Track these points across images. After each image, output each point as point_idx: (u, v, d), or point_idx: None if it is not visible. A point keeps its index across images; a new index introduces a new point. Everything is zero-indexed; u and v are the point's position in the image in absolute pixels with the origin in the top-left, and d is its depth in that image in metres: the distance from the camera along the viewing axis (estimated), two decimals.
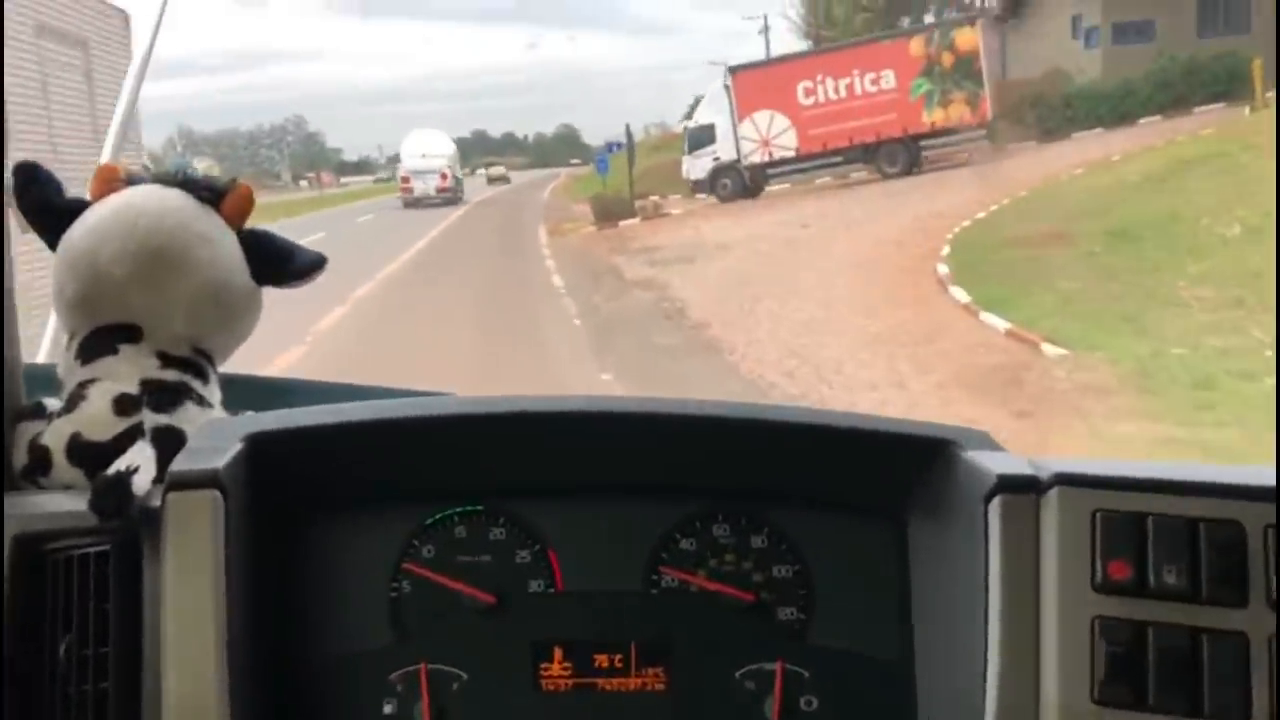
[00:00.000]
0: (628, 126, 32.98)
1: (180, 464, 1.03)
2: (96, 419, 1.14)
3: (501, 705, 1.16)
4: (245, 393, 1.34)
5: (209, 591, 0.98)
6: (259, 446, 1.09)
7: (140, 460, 1.05)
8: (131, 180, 1.26)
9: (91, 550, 1.02)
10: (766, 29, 65.53)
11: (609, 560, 1.20)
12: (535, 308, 14.42)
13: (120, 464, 1.03)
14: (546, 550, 1.20)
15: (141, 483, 1.03)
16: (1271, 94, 24.19)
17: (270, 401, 1.29)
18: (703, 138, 29.96)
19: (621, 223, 27.60)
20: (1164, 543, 0.95)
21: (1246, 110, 24.90)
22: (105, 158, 1.82)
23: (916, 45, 27.77)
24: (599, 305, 13.93)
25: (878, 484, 1.17)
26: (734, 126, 28.60)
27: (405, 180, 39.46)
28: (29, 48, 4.41)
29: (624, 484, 1.21)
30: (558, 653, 1.17)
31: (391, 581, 1.18)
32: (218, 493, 1.01)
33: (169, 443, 1.12)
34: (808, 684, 1.17)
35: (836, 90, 27.58)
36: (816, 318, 11.76)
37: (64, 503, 1.07)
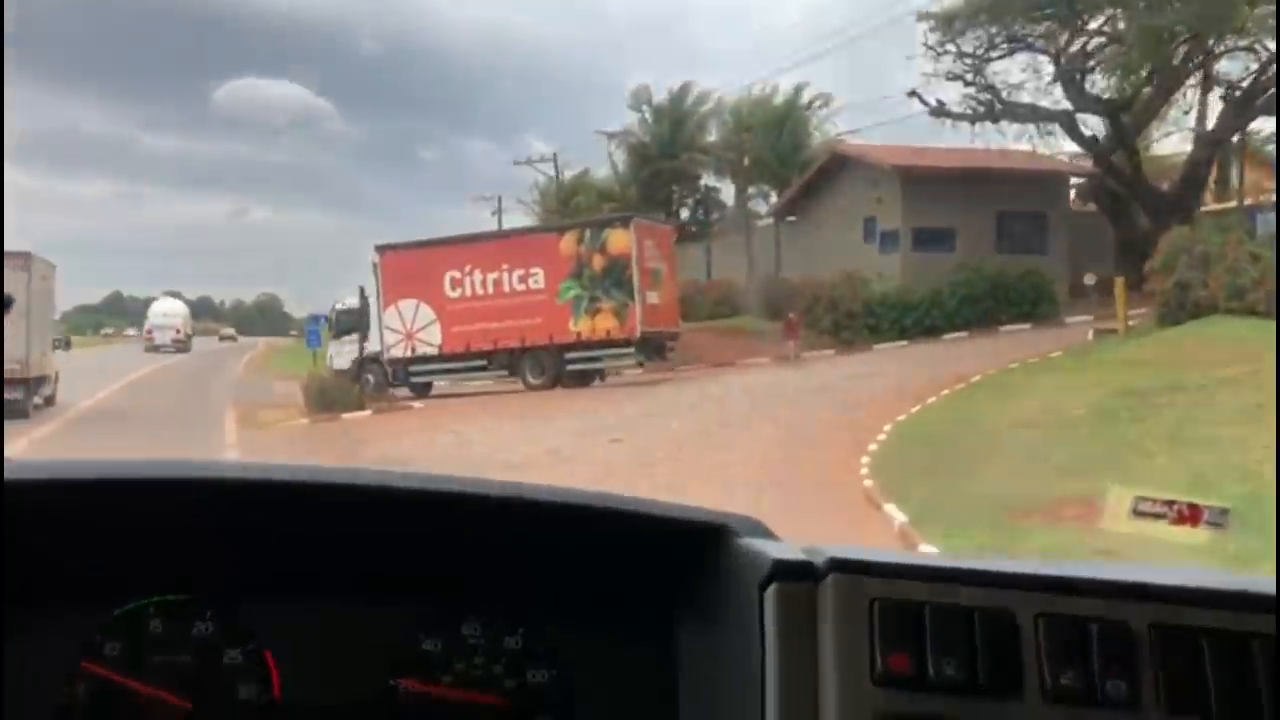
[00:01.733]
0: (362, 289, 26.04)
1: None
2: None
3: None
4: None
5: None
6: None
7: None
8: None
9: None
10: (499, 211, 62.49)
11: (338, 665, 1.06)
12: None
13: None
14: (262, 651, 1.05)
15: None
16: (1133, 321, 21.46)
17: None
18: (347, 323, 27.43)
19: (346, 415, 20.71)
20: (940, 632, 0.92)
21: (1118, 329, 21.61)
22: None
23: (568, 243, 25.28)
24: None
25: (645, 574, 1.09)
26: (379, 314, 26.20)
27: (149, 333, 52.43)
28: None
29: (360, 573, 1.07)
30: None
31: (65, 686, 1.00)
32: None
33: None
34: None
35: (485, 285, 25.29)
36: None
37: None
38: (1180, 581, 0.98)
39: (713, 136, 46.42)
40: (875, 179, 30.98)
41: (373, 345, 26.20)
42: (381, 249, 26.77)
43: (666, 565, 1.09)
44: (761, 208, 42.11)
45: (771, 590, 0.95)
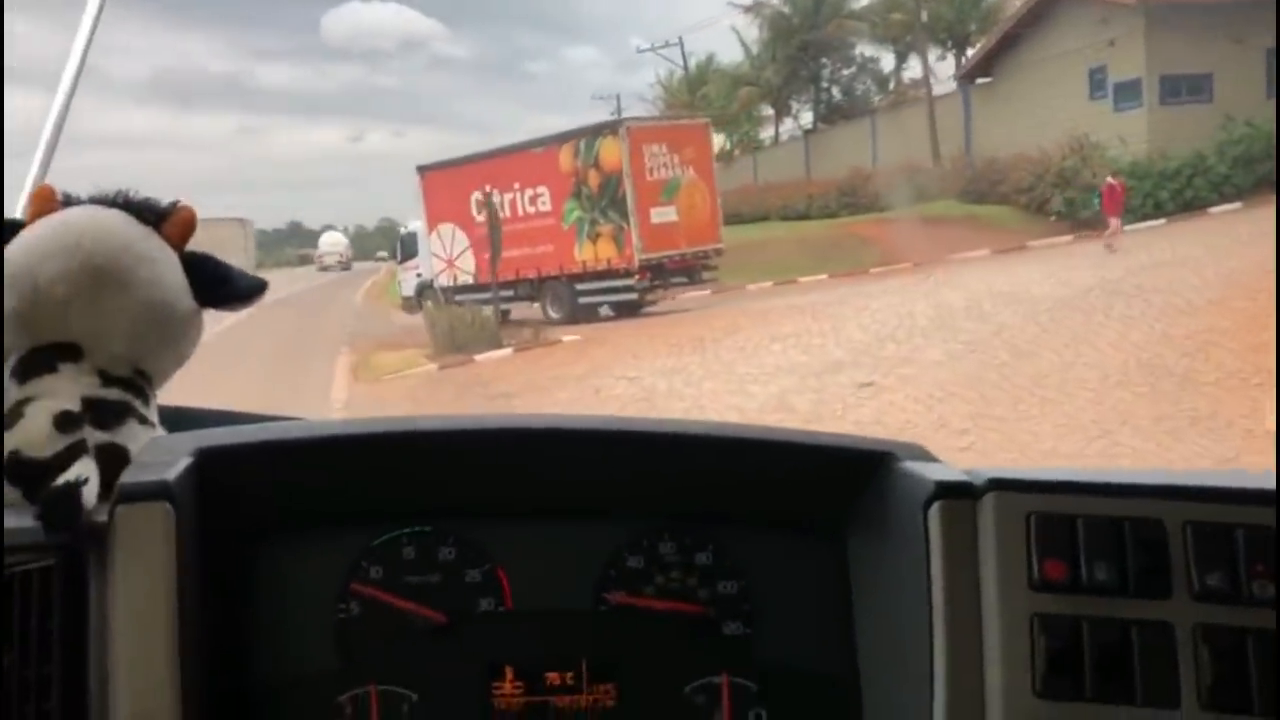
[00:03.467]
0: (489, 200, 21.33)
1: (130, 476, 1.01)
2: (36, 436, 1.09)
3: None
4: (172, 420, 1.25)
5: (163, 606, 0.96)
6: (209, 461, 1.07)
7: (87, 474, 1.03)
8: (68, 201, 1.22)
9: (34, 567, 0.97)
10: (619, 111, 57.22)
11: (558, 579, 1.19)
12: None
13: (69, 476, 1.02)
14: (496, 570, 1.19)
15: (90, 496, 1.01)
16: None
17: (200, 428, 1.18)
18: (410, 248, 25.50)
19: (480, 356, 16.35)
20: (1093, 541, 0.98)
21: None
22: (33, 179, 1.65)
23: (566, 157, 21.47)
24: None
25: (818, 498, 1.18)
26: (424, 239, 24.30)
27: (320, 257, 67.94)
28: None
29: (572, 503, 1.21)
30: (509, 671, 1.15)
31: (339, 603, 1.16)
32: (169, 505, 0.98)
33: (113, 460, 1.09)
34: (755, 697, 1.17)
35: (503, 207, 21.95)
36: None
37: (4, 520, 1.01)
38: None
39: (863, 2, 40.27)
40: (1105, 17, 24.79)
41: (427, 272, 23.96)
42: (422, 169, 24.09)
43: (838, 488, 1.16)
44: (938, 74, 35.93)
45: (935, 508, 1.02)
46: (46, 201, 1.21)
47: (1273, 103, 22.13)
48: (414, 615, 1.16)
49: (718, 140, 51.49)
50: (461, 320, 17.55)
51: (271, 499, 1.15)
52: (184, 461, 1.04)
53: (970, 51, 34.48)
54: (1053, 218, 23.57)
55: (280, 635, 1.14)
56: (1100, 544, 0.98)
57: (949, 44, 34.93)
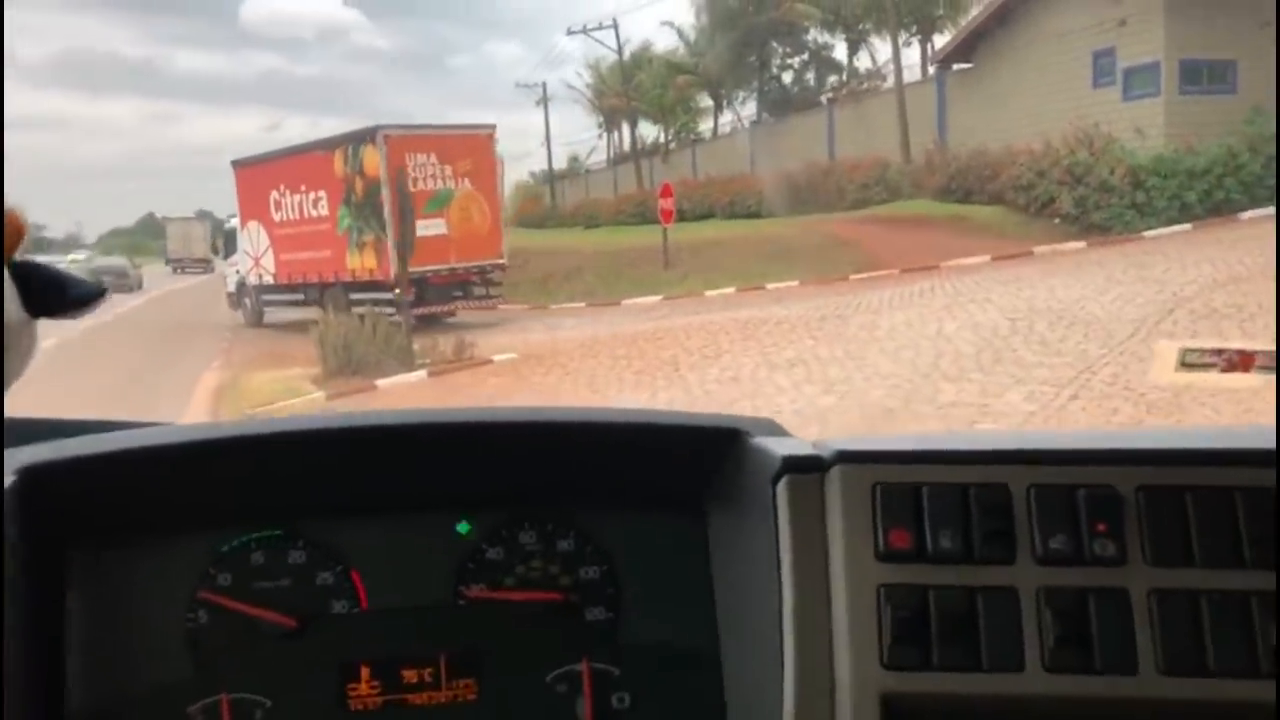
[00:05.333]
0: (401, 187, 17.38)
1: None
2: None
3: None
4: (21, 433, 1.23)
5: None
6: (34, 479, 1.04)
7: None
8: None
9: None
10: (545, 99, 53.42)
11: (415, 577, 1.17)
12: None
13: None
14: (349, 570, 1.17)
15: None
16: None
17: (30, 439, 1.18)
18: (231, 244, 24.31)
19: (384, 381, 12.52)
20: (938, 509, 0.99)
21: None
22: None
23: (339, 162, 20.84)
24: None
25: (675, 477, 1.19)
26: (238, 235, 23.61)
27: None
28: None
29: (427, 499, 1.20)
30: (365, 671, 1.14)
31: (187, 613, 1.14)
32: None
33: None
34: (617, 681, 1.17)
35: (293, 208, 21.86)
36: None
37: None
38: (1176, 444, 1.04)
39: None
40: None
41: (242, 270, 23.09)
42: (235, 164, 23.54)
43: (693, 467, 1.17)
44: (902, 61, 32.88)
45: (783, 482, 1.03)
46: None
47: None
48: (264, 621, 1.14)
49: (651, 132, 48.72)
50: (359, 331, 13.60)
51: (108, 511, 1.13)
52: (8, 480, 1.02)
53: (936, 38, 31.49)
54: (1057, 220, 20.43)
55: (126, 649, 1.12)
56: (945, 512, 0.98)
57: (913, 29, 31.87)
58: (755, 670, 1.07)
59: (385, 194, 19.23)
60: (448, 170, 20.04)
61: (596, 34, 44.61)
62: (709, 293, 20.63)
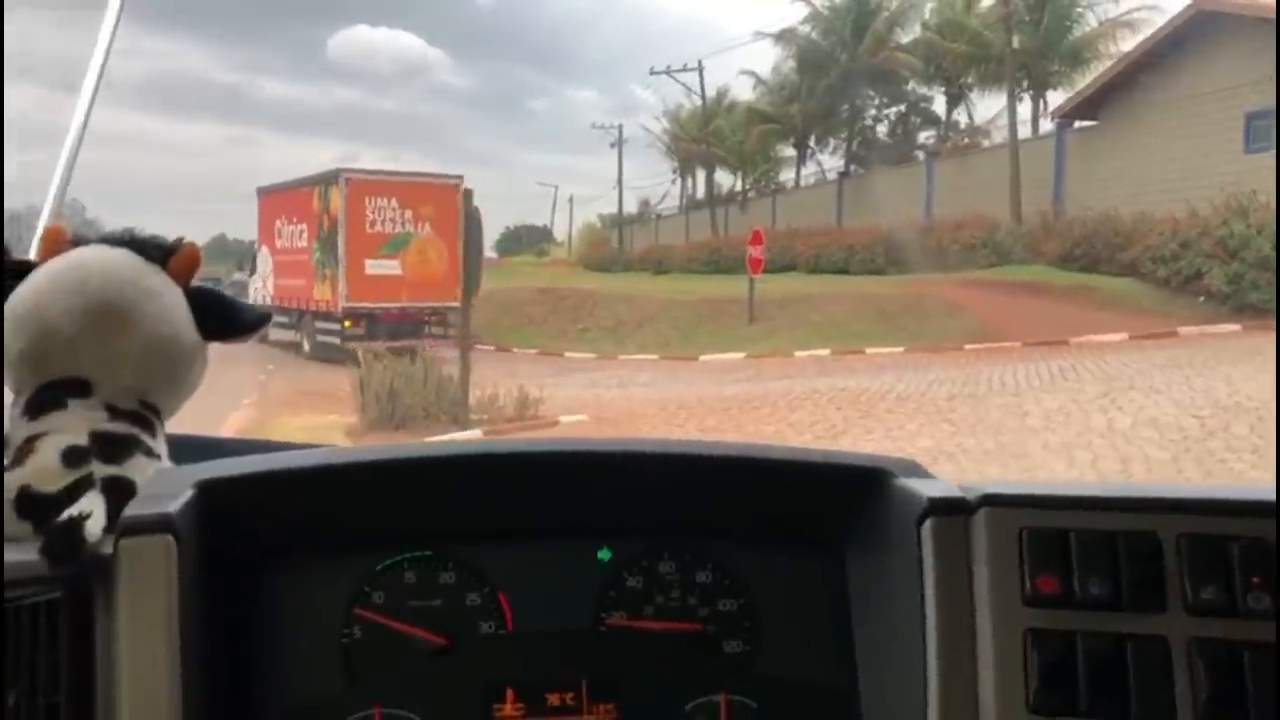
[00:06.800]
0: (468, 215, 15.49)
1: (133, 510, 1.03)
2: (45, 471, 1.14)
3: None
4: (182, 449, 1.30)
5: (165, 637, 0.97)
6: (211, 493, 1.08)
7: (92, 507, 1.04)
8: (77, 242, 1.27)
9: (41, 599, 1.00)
10: (620, 141, 51.94)
11: (558, 600, 1.20)
12: None
13: (72, 510, 1.03)
14: (496, 593, 1.20)
15: (94, 529, 1.02)
16: None
17: (204, 458, 1.22)
18: (255, 264, 26.08)
19: (434, 439, 10.35)
20: (1086, 555, 0.98)
21: None
22: (45, 220, 1.73)
23: (315, 199, 22.13)
24: None
25: (815, 514, 1.19)
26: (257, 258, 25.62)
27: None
28: None
29: (570, 525, 1.22)
30: (510, 693, 1.16)
31: (343, 628, 1.17)
32: (171, 538, 1.00)
33: (119, 492, 1.11)
34: (755, 714, 1.17)
35: (288, 237, 23.51)
36: None
37: (12, 554, 1.03)
38: None
39: (909, 38, 35.10)
40: (1268, 44, 19.25)
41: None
42: (259, 190, 25.47)
43: (833, 505, 1.17)
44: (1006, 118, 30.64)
45: (928, 524, 1.02)
46: (56, 242, 1.25)
47: None
48: (416, 639, 1.16)
49: (728, 180, 46.92)
50: (407, 378, 11.54)
51: (274, 528, 1.16)
52: (186, 494, 1.05)
53: (1051, 95, 29.24)
54: (1202, 298, 17.96)
55: (285, 661, 1.15)
56: (1093, 558, 0.97)
57: (1024, 84, 29.63)
58: (895, 710, 1.06)
59: (341, 232, 20.41)
60: (408, 215, 20.93)
61: (680, 75, 43.11)
62: (799, 353, 18.44)
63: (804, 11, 37.08)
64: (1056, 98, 28.40)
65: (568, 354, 21.12)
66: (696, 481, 1.19)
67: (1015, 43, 28.11)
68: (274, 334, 22.37)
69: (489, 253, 58.63)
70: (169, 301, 1.23)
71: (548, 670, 1.16)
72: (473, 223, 11.82)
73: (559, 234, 67.61)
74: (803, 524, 1.19)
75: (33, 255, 1.28)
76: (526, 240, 71.45)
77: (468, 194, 12.18)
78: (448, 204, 20.58)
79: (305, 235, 22.23)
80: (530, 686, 1.15)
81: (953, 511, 1.02)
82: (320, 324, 21.16)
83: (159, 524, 0.99)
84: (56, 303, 1.18)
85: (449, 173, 21.69)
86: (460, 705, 1.15)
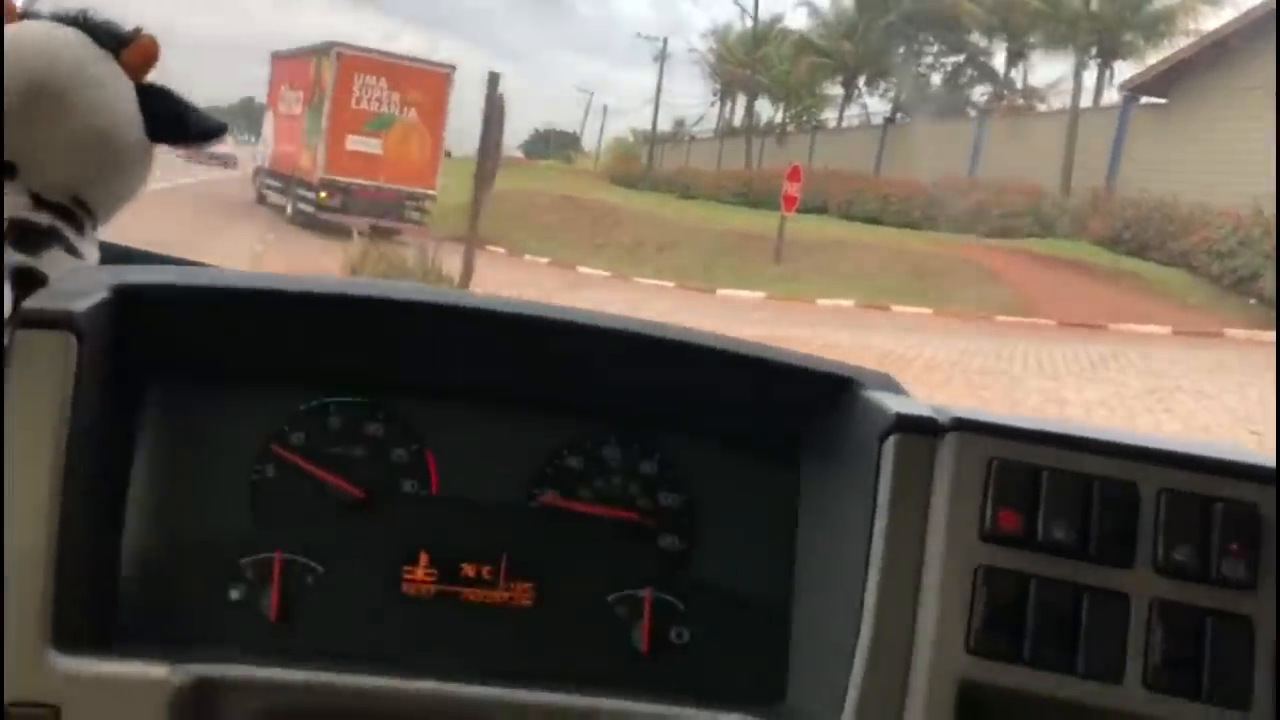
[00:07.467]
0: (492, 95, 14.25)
1: (35, 302, 0.96)
2: None
3: (357, 604, 1.10)
4: (119, 260, 1.22)
5: (49, 440, 0.92)
6: (127, 299, 1.01)
7: None
8: (26, 15, 1.20)
9: None
10: (663, 54, 50.33)
11: (490, 470, 1.14)
12: None
13: None
14: (424, 451, 1.14)
15: None
16: None
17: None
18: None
19: None
20: (1056, 496, 0.93)
21: None
22: None
23: (313, 68, 22.06)
24: None
25: (775, 418, 1.14)
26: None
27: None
28: None
29: (516, 393, 1.16)
30: (424, 556, 1.10)
31: (255, 464, 1.12)
32: (72, 336, 0.93)
33: (29, 285, 1.06)
34: (681, 615, 1.12)
35: (289, 104, 23.53)
36: None
37: None
38: None
39: None
40: None
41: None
42: (273, 55, 25.40)
43: (796, 410, 1.12)
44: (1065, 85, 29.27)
45: (890, 441, 0.97)
46: (3, 13, 1.18)
47: None
48: (332, 487, 1.12)
49: (767, 111, 45.50)
50: (403, 272, 10.63)
51: (194, 347, 1.10)
52: (99, 295, 0.99)
53: (1118, 65, 27.81)
54: (1253, 301, 17.00)
55: (186, 490, 1.10)
56: (1063, 500, 0.92)
57: (1093, 51, 28.15)
58: (827, 629, 1.03)
59: (327, 105, 20.55)
60: (395, 97, 20.97)
61: None
62: (821, 301, 17.53)
63: None
64: (1124, 69, 27.03)
65: (580, 268, 20.17)
66: (657, 366, 1.12)
67: (1094, 4, 26.57)
68: (272, 198, 23.78)
69: (514, 152, 57.41)
70: (112, 93, 1.18)
71: (467, 539, 1.11)
72: (494, 110, 10.83)
73: (588, 144, 66.27)
74: (761, 426, 1.14)
75: None
76: (554, 145, 70.10)
77: (494, 78, 11.18)
78: (437, 92, 21.17)
79: (301, 103, 22.36)
80: (446, 553, 1.10)
81: (920, 431, 0.96)
82: (300, 191, 21.19)
83: (59, 319, 0.93)
84: None
85: (446, 61, 22.28)
86: (368, 562, 1.09)
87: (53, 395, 0.91)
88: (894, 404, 1.00)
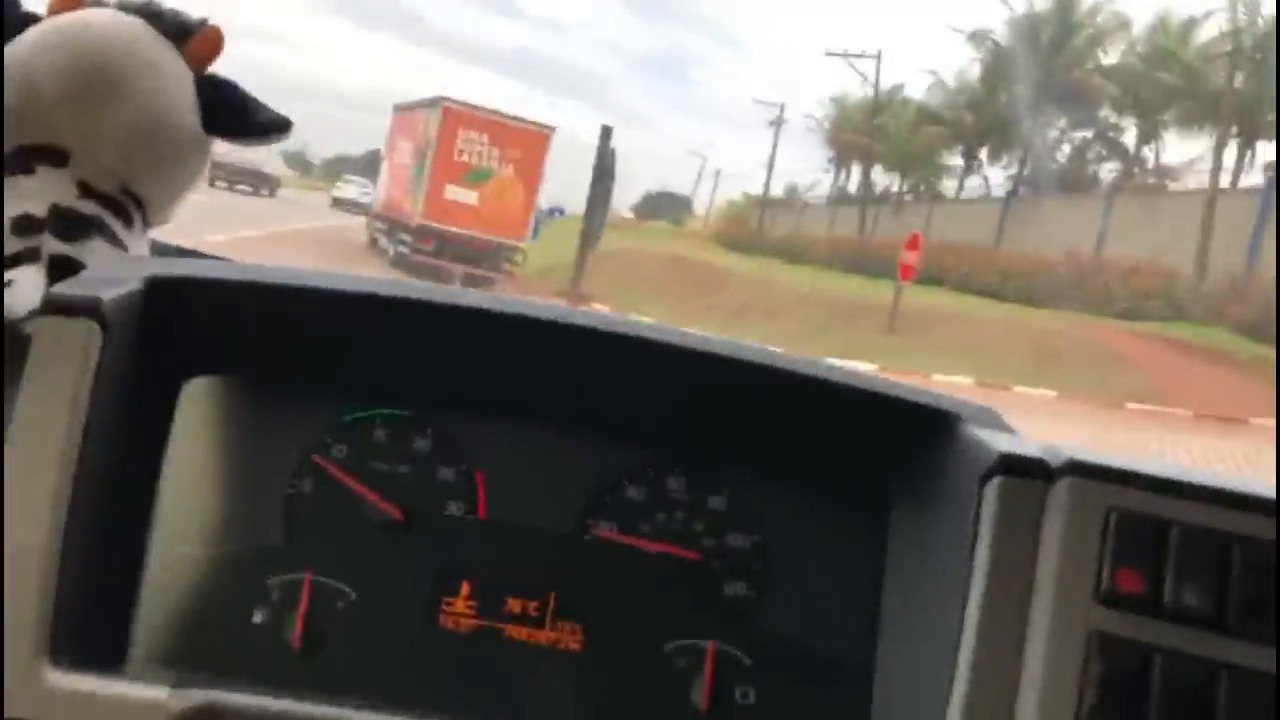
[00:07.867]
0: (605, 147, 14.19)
1: (61, 288, 0.93)
2: None
3: (388, 635, 1.02)
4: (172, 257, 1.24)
5: (60, 431, 0.87)
6: (162, 291, 0.96)
7: (23, 279, 1.00)
8: (96, 4, 1.18)
9: None
10: (780, 120, 50.21)
11: (543, 496, 1.06)
12: None
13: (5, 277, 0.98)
14: (474, 471, 1.07)
15: (17, 302, 0.98)
16: None
17: None
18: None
19: None
20: (1188, 556, 0.82)
21: None
22: None
23: (421, 121, 22.95)
24: None
25: (863, 452, 1.05)
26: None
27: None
28: None
29: (577, 414, 1.08)
30: (465, 587, 1.03)
31: (292, 476, 1.05)
32: (97, 325, 0.89)
33: (65, 273, 1.01)
34: (747, 672, 1.02)
35: (400, 153, 24.33)
36: None
37: None
38: None
39: (1110, 60, 32.55)
40: None
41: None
42: (395, 107, 26.48)
43: (885, 444, 1.02)
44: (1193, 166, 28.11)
45: (994, 484, 0.87)
46: (70, 2, 1.16)
47: None
48: (371, 505, 1.04)
49: (883, 179, 44.91)
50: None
51: (233, 348, 1.04)
52: (131, 285, 0.94)
53: (1259, 145, 26.58)
54: None
55: (215, 498, 1.04)
56: (1196, 561, 0.81)
57: (1233, 130, 26.98)
58: (914, 698, 0.93)
59: (430, 154, 21.29)
60: (495, 152, 21.59)
61: (855, 60, 41.25)
62: (938, 376, 16.78)
63: (1002, 15, 34.90)
64: (1266, 150, 25.81)
65: (685, 330, 19.85)
66: (733, 390, 1.03)
67: (1237, 81, 25.53)
68: (381, 242, 24.58)
69: (626, 213, 57.82)
70: (172, 82, 1.15)
71: (514, 571, 1.03)
72: (605, 165, 10.63)
73: (699, 207, 66.41)
74: (846, 460, 1.05)
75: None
76: (666, 207, 70.40)
77: (606, 131, 11.05)
78: (535, 150, 21.79)
79: (411, 153, 23.40)
80: (490, 585, 1.02)
81: (1028, 474, 0.86)
82: (401, 235, 22.19)
83: (84, 306, 0.89)
84: (43, 59, 1.10)
85: (548, 123, 22.52)
86: (404, 590, 1.02)
87: (69, 386, 0.86)
88: (999, 442, 0.89)
